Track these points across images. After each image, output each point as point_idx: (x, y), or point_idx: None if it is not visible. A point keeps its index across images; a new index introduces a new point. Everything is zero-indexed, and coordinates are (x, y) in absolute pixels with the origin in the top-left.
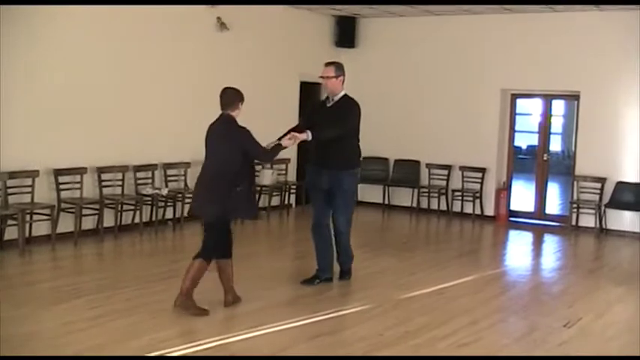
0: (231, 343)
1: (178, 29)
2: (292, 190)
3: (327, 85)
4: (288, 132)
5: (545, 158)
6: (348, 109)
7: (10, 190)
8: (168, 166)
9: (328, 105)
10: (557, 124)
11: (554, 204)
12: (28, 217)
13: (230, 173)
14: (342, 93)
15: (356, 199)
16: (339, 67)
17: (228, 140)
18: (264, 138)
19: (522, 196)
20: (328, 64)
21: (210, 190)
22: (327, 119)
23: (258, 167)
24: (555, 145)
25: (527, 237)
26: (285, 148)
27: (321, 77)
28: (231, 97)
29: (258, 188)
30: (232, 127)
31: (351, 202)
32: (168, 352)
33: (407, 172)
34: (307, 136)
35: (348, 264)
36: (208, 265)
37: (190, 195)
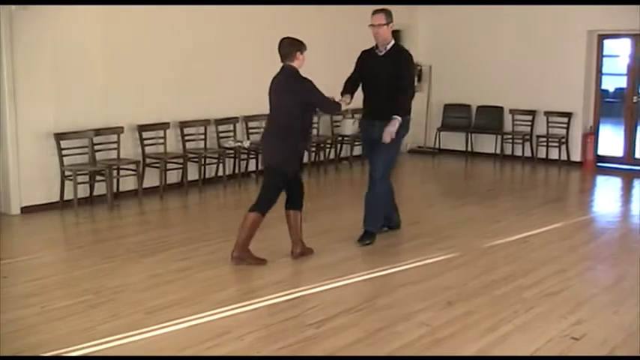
0: (317, 292)
1: None
2: None
3: (379, 33)
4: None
5: (634, 101)
6: (405, 60)
7: (96, 147)
8: (249, 118)
9: (380, 54)
10: None
11: None
12: (115, 173)
13: (297, 127)
14: (393, 41)
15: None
16: (388, 14)
17: (293, 94)
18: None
19: (610, 140)
20: (377, 11)
21: (280, 142)
22: (384, 70)
23: (338, 118)
24: None
25: (615, 183)
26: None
27: (372, 25)
28: (287, 47)
29: (340, 138)
30: (295, 80)
31: (395, 152)
32: (254, 303)
33: (490, 119)
34: None
35: (373, 226)
36: (263, 218)
37: None
